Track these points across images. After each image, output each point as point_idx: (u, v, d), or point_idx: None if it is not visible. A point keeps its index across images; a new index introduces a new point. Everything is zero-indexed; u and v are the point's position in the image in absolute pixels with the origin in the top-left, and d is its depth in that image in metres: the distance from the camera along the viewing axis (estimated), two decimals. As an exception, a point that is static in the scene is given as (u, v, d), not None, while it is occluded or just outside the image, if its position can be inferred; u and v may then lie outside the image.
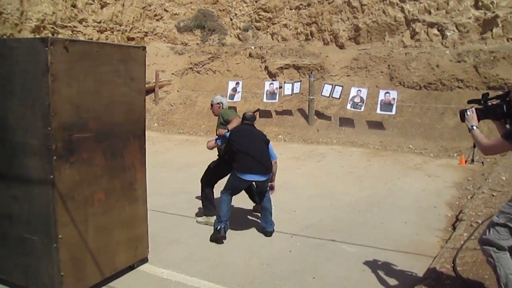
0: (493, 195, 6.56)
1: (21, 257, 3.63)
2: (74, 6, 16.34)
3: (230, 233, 5.18)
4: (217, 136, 5.57)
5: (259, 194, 5.38)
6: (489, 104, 3.35)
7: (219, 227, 4.99)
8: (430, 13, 13.77)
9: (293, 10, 16.74)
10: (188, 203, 6.47)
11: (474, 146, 9.19)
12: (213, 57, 16.34)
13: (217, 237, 4.97)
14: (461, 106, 11.25)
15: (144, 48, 4.00)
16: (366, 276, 4.29)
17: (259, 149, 5.16)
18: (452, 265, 4.23)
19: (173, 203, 6.40)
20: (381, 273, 4.34)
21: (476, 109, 3.33)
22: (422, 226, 5.73)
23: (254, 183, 5.27)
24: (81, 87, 3.40)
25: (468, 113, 3.33)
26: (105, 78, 3.61)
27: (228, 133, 5.31)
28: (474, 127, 3.26)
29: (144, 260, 4.40)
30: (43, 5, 15.24)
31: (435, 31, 13.57)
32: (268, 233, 5.26)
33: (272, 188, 5.52)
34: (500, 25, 12.48)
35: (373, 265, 4.51)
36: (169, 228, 5.41)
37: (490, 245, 3.06)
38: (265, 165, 5.13)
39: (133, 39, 18.05)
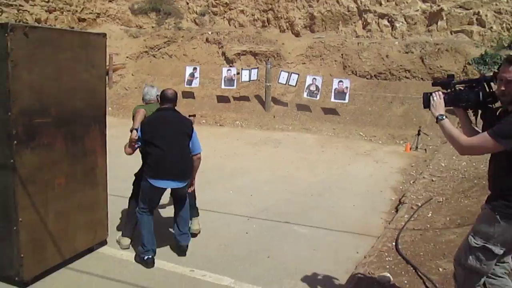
0: (432, 180, 7.09)
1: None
2: (21, -17, 15.63)
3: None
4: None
5: (176, 200, 4.36)
6: (459, 88, 2.78)
7: (146, 258, 4.10)
8: (381, 4, 14.30)
9: (250, -4, 16.82)
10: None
11: (419, 134, 9.82)
12: (169, 41, 16.18)
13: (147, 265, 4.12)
14: (407, 95, 11.94)
15: (104, 35, 4.05)
16: (316, 254, 4.61)
17: (176, 146, 4.09)
18: (394, 244, 4.62)
19: (130, 187, 6.45)
20: (330, 251, 4.69)
21: (443, 93, 2.79)
22: (368, 209, 6.14)
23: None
24: (41, 73, 3.44)
25: (435, 98, 2.74)
26: (66, 65, 3.65)
27: (139, 129, 4.20)
28: (444, 117, 2.67)
29: (103, 243, 4.50)
30: (-13, -18, 14.51)
31: (385, 22, 14.13)
32: (181, 247, 4.34)
33: (191, 185, 4.52)
34: (444, 18, 13.19)
35: (322, 245, 4.85)
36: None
37: (479, 275, 2.59)
38: (183, 167, 4.13)
39: (84, 20, 17.50)
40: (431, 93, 2.78)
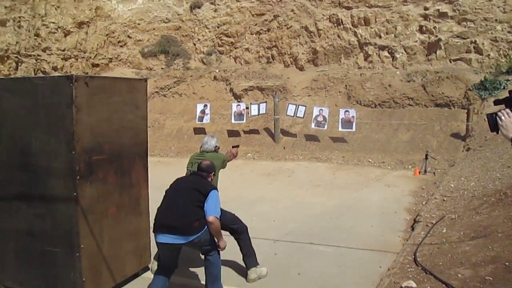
0: (444, 200, 7.48)
1: (41, 268, 4.06)
2: (37, 35, 16.54)
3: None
4: None
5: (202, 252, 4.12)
6: None
7: None
8: (380, 37, 15.04)
9: (254, 35, 17.64)
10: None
11: (426, 158, 10.26)
12: (178, 80, 16.93)
13: None
14: (412, 122, 12.45)
15: (145, 80, 4.60)
16: (342, 270, 4.99)
17: (178, 198, 3.94)
18: (414, 257, 5.00)
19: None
20: (355, 267, 5.07)
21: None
22: (386, 229, 6.52)
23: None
24: (97, 115, 3.95)
25: (504, 117, 2.37)
26: (116, 107, 4.18)
27: None
28: None
29: (146, 269, 4.89)
30: (6, 36, 15.39)
31: (385, 53, 14.83)
32: None
33: (220, 247, 4.08)
34: (443, 47, 13.87)
35: (347, 261, 5.23)
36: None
37: None
38: (179, 220, 3.78)
39: (97, 65, 18.36)
40: (496, 113, 2.41)
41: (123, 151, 4.30)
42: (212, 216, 3.83)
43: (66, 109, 3.71)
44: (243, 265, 4.85)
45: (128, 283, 4.59)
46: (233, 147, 5.38)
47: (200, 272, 4.81)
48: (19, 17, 15.84)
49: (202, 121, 14.12)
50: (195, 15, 19.19)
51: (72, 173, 3.76)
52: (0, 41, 15.18)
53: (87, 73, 17.62)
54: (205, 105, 14.34)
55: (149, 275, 4.83)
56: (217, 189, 4.05)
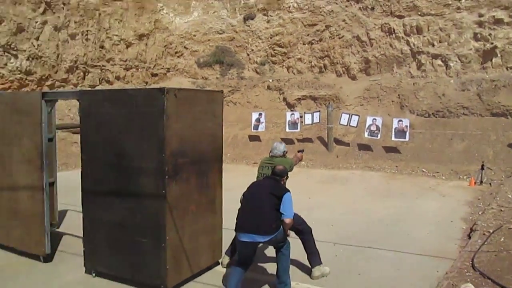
0: (501, 210, 7.49)
1: (129, 256, 4.61)
2: (102, 47, 17.72)
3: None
4: None
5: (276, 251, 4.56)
6: None
7: None
8: (433, 45, 14.97)
9: (306, 45, 18.01)
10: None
11: (482, 168, 10.18)
12: (233, 90, 17.57)
13: None
14: (467, 131, 12.33)
15: (222, 92, 5.11)
16: (401, 272, 5.23)
17: (257, 201, 4.33)
18: (471, 262, 5.16)
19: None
20: (412, 271, 5.30)
21: None
22: (442, 236, 6.66)
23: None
24: (183, 123, 4.47)
25: None
26: (198, 116, 4.69)
27: None
28: None
29: (217, 263, 5.35)
30: (75, 48, 16.62)
31: (439, 62, 14.74)
32: None
33: (288, 235, 4.54)
34: (499, 55, 13.63)
35: (405, 265, 5.46)
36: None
37: None
38: (259, 222, 4.21)
39: (156, 75, 19.38)
40: None
41: (203, 156, 4.80)
42: (289, 219, 4.26)
43: (158, 117, 4.25)
44: (307, 264, 5.20)
45: (202, 274, 5.06)
46: (298, 151, 5.76)
47: (267, 267, 5.23)
48: (87, 31, 17.07)
49: (257, 129, 14.63)
50: (249, 26, 19.83)
51: (161, 173, 4.28)
52: (70, 53, 16.42)
53: (146, 82, 18.65)
54: (260, 114, 14.84)
55: (220, 269, 5.30)
56: (289, 192, 4.43)
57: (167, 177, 4.29)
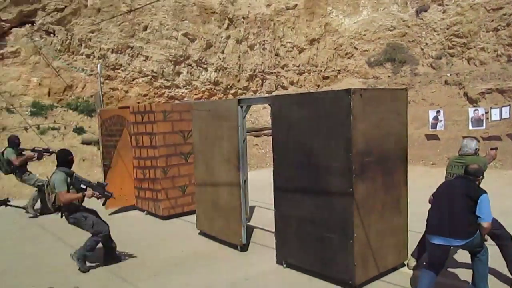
0: None
1: (318, 251, 4.88)
2: (277, 54, 18.85)
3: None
4: None
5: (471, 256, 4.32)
6: None
7: None
8: None
9: (490, 32, 16.22)
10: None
11: None
12: (406, 87, 16.79)
13: None
14: None
15: (406, 89, 5.03)
16: None
17: (450, 203, 4.12)
18: None
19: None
20: None
21: None
22: None
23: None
24: (368, 123, 4.56)
25: None
26: (382, 115, 4.72)
27: None
28: None
29: (402, 264, 5.27)
30: (254, 58, 18.02)
31: None
32: None
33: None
34: None
35: None
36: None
37: None
38: (454, 224, 4.03)
39: (327, 77, 19.78)
40: None
41: (388, 155, 4.81)
42: (487, 222, 3.99)
43: (345, 118, 4.42)
44: (507, 273, 4.76)
45: (388, 274, 5.05)
46: (491, 149, 5.30)
47: (459, 273, 4.95)
48: (263, 41, 18.38)
49: (435, 128, 13.76)
50: (422, 19, 18.79)
51: (349, 172, 4.44)
52: (250, 63, 17.89)
53: (318, 85, 19.18)
54: (438, 112, 13.91)
55: (406, 270, 5.21)
56: (486, 193, 4.14)
57: (354, 175, 4.43)
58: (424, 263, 4.80)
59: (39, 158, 8.79)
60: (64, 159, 5.52)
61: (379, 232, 4.77)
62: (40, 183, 8.41)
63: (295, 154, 5.04)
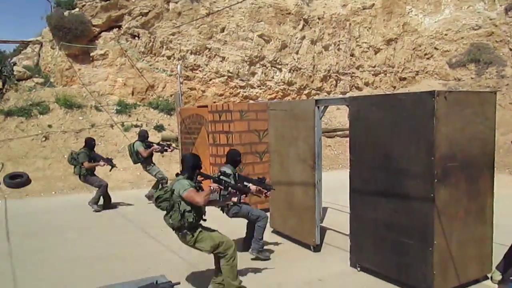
0: None
1: (395, 256, 4.76)
2: (352, 55, 18.53)
3: None
4: None
5: None
6: None
7: None
8: None
9: None
10: None
11: None
12: (495, 90, 15.79)
13: None
14: None
15: (495, 93, 4.76)
16: None
17: None
18: None
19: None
20: None
21: None
22: None
23: None
24: (452, 126, 4.37)
25: None
26: (468, 119, 4.50)
27: None
28: None
29: (486, 277, 4.98)
30: (328, 58, 17.86)
31: None
32: None
33: None
34: None
35: None
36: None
37: None
38: None
39: (404, 79, 19.10)
40: None
41: (473, 160, 4.58)
42: None
43: (428, 120, 4.27)
44: None
45: (469, 287, 4.80)
46: None
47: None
48: (338, 41, 18.16)
49: (526, 133, 12.80)
50: (511, 17, 17.54)
51: (430, 177, 4.29)
52: (324, 63, 17.76)
53: (394, 87, 18.60)
54: (528, 116, 12.93)
55: (489, 284, 4.87)
56: None
57: (436, 180, 4.27)
58: (511, 278, 4.50)
59: (161, 152, 9.53)
60: (234, 158, 5.71)
61: (461, 241, 4.56)
62: (160, 176, 9.17)
63: (373, 156, 4.96)
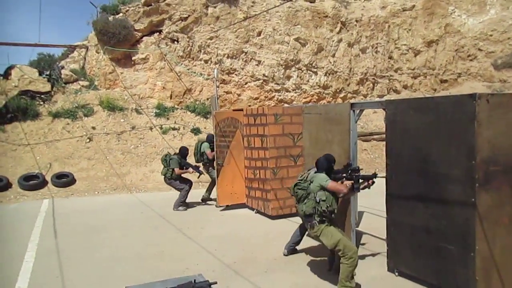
0: None
1: (434, 262, 4.66)
2: (390, 57, 18.22)
3: None
4: None
5: None
6: None
7: None
8: None
9: None
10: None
11: None
12: (540, 93, 15.14)
13: None
14: None
15: (541, 94, 4.58)
16: None
17: None
18: None
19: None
20: None
21: None
22: None
23: None
24: (495, 130, 4.25)
25: None
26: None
27: None
28: None
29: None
30: (365, 61, 17.64)
31: None
32: None
33: None
34: None
35: None
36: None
37: None
38: None
39: (446, 81, 18.59)
40: None
41: (517, 165, 4.43)
42: None
43: (468, 124, 4.17)
44: None
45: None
46: None
47: None
48: (376, 44, 17.92)
49: None
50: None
51: (471, 181, 4.18)
52: (361, 66, 17.55)
53: (435, 89, 18.14)
54: None
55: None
56: None
57: (477, 185, 4.16)
58: None
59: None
60: (328, 165, 5.35)
61: (505, 247, 4.40)
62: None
63: (410, 160, 4.88)
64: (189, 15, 14.95)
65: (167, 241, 7.02)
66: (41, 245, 6.90)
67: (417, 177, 4.82)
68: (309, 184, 5.03)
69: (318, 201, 4.91)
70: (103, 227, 7.90)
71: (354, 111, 5.94)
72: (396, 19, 18.14)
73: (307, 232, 5.87)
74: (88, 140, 12.86)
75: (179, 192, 9.36)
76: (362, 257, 6.02)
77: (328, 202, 4.91)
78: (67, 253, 6.46)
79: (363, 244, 6.57)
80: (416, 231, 4.88)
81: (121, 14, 14.78)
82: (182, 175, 9.44)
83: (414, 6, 18.29)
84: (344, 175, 5.30)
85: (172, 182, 9.39)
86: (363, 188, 5.33)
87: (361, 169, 5.55)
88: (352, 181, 5.22)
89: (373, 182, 5.34)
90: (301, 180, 5.15)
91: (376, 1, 18.31)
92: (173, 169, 9.27)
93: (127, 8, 14.74)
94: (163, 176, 9.50)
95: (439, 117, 4.52)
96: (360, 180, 5.27)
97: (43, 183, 11.19)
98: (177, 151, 9.79)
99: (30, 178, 11.20)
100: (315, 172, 5.16)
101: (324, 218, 4.94)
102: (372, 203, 7.91)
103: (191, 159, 9.93)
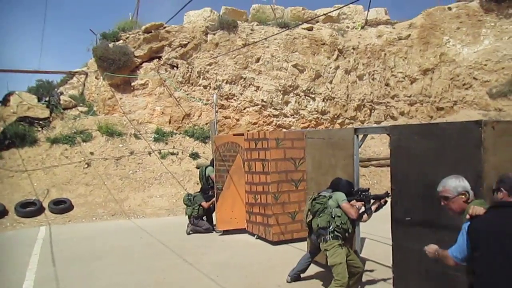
0: None
1: (441, 291, 4.60)
2: (387, 85, 18.45)
3: None
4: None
5: None
6: None
7: None
8: None
9: None
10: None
11: None
12: (535, 120, 15.32)
13: None
14: None
15: (544, 121, 4.63)
16: None
17: None
18: None
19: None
20: None
21: None
22: None
23: None
24: (501, 156, 4.27)
25: None
26: (516, 148, 4.39)
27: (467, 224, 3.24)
28: None
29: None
30: (362, 88, 17.84)
31: None
32: None
33: None
34: None
35: None
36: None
37: None
38: None
39: (442, 108, 18.80)
40: None
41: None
42: None
43: (475, 150, 4.20)
44: None
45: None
46: None
47: None
48: (373, 71, 18.16)
49: None
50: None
51: (478, 207, 4.17)
52: (358, 93, 17.74)
53: (431, 116, 18.30)
54: None
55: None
56: None
57: (484, 211, 4.15)
58: None
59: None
60: (348, 189, 5.50)
61: None
62: None
63: (416, 186, 4.88)
64: (188, 42, 15.16)
65: (168, 267, 6.91)
66: (40, 273, 6.76)
67: (422, 202, 4.80)
68: (328, 199, 5.26)
69: (333, 216, 5.13)
70: (102, 254, 7.77)
71: (357, 136, 5.97)
72: (392, 47, 18.46)
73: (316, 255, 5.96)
74: (86, 166, 12.79)
75: (191, 224, 9.23)
76: (366, 284, 5.95)
77: (342, 219, 5.12)
78: (66, 282, 6.32)
79: (371, 270, 6.49)
80: (423, 258, 4.81)
81: (121, 41, 14.96)
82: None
83: (409, 35, 18.66)
84: (355, 197, 5.41)
85: (199, 222, 9.23)
86: (376, 210, 5.40)
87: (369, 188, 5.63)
88: (363, 202, 5.35)
89: (385, 202, 5.37)
90: (320, 195, 5.35)
91: (372, 30, 18.68)
92: (199, 205, 9.17)
93: (127, 35, 14.93)
94: (188, 217, 9.32)
95: (444, 143, 4.55)
96: (372, 200, 5.38)
97: (40, 210, 11.06)
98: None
99: (27, 205, 11.07)
100: (333, 191, 5.39)
101: (337, 234, 5.09)
102: (373, 229, 7.86)
103: (197, 186, 9.86)
